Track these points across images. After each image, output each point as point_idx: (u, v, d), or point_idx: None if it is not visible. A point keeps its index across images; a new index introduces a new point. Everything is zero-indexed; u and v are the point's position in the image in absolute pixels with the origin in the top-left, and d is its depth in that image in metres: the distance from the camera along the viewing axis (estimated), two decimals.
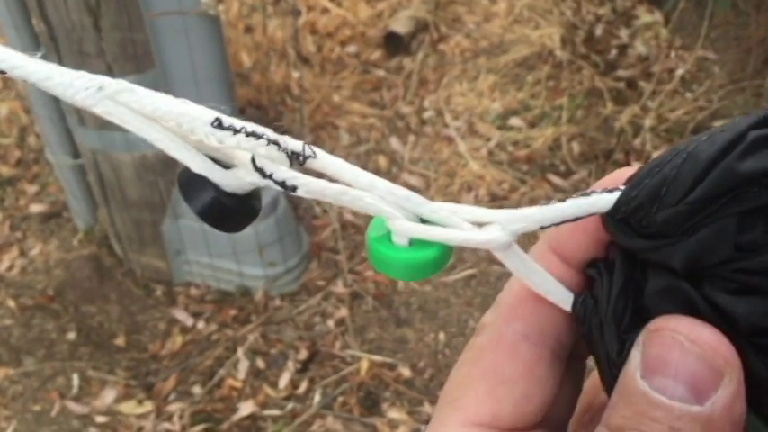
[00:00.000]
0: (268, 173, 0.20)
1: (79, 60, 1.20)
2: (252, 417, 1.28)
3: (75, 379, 1.34)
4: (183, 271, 1.50)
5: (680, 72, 2.01)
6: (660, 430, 0.20)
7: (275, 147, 0.20)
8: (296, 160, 0.21)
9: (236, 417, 1.27)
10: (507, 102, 1.99)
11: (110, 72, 1.21)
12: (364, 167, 0.21)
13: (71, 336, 1.41)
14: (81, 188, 1.49)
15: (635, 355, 0.21)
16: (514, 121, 1.93)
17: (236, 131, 0.20)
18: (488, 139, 1.88)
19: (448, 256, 0.22)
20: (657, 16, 2.19)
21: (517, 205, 1.67)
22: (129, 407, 1.30)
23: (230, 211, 0.21)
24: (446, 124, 1.94)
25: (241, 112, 1.71)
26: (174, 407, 1.30)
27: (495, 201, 1.70)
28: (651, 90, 1.95)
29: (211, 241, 1.43)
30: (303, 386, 1.33)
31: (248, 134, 0.20)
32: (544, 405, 0.24)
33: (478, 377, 0.24)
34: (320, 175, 0.22)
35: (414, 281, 0.21)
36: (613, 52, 2.13)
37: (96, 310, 1.46)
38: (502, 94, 2.02)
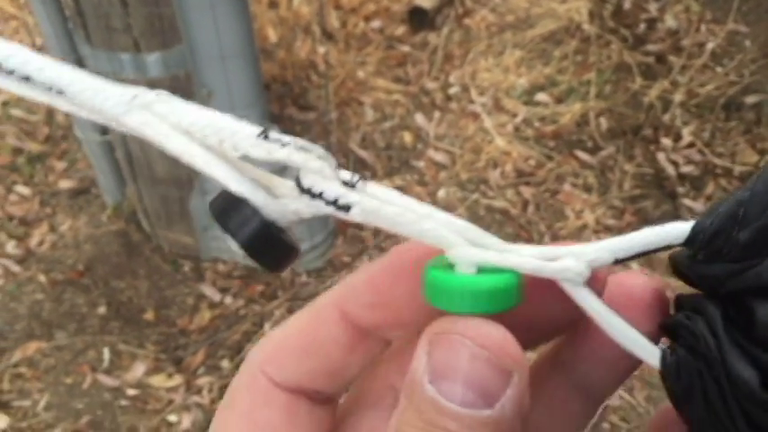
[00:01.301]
0: (317, 191, 0.19)
1: (107, 36, 1.20)
2: None
3: (106, 353, 1.36)
4: (211, 247, 1.51)
5: (710, 46, 1.97)
6: None
7: (327, 162, 0.19)
8: (346, 186, 0.19)
9: None
10: (534, 77, 1.96)
11: (136, 47, 1.21)
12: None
13: (101, 310, 1.43)
14: (109, 164, 1.50)
15: (421, 356, 0.20)
16: (541, 97, 1.91)
17: (284, 144, 0.19)
18: (514, 115, 1.86)
19: (518, 289, 0.20)
20: None
21: (543, 181, 1.66)
22: (158, 380, 1.32)
23: (275, 242, 0.19)
24: (472, 100, 1.92)
25: (266, 88, 1.71)
26: (203, 380, 1.32)
27: (522, 177, 1.69)
28: (681, 65, 1.92)
29: None
30: None
31: (298, 148, 0.19)
32: None
33: (233, 422, 0.22)
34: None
35: (476, 312, 0.19)
36: (642, 26, 2.09)
37: (125, 286, 1.48)
38: (528, 69, 2.00)
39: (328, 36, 2.05)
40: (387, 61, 2.07)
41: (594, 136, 1.77)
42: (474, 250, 0.20)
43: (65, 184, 1.67)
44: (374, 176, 1.68)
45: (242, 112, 1.33)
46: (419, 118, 1.88)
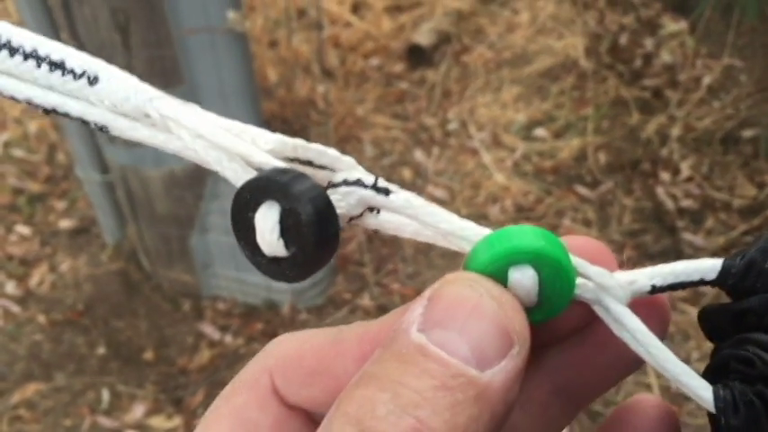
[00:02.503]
0: (353, 179, 0.19)
1: None
2: None
3: (106, 394, 1.35)
4: (211, 285, 1.51)
5: (707, 81, 1.99)
6: (430, 385, 0.16)
7: (354, 160, 0.19)
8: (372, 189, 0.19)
9: None
10: (531, 112, 1.98)
11: None
12: (389, 179, 0.20)
13: (101, 350, 1.42)
14: (110, 204, 1.51)
15: (415, 308, 0.18)
16: (539, 132, 1.92)
17: (308, 149, 0.19)
18: (513, 150, 1.87)
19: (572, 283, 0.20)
20: (683, 25, 2.17)
21: (543, 216, 1.66)
22: (158, 421, 1.31)
23: (332, 217, 0.19)
24: (470, 136, 1.94)
25: (266, 126, 1.72)
26: None
27: (522, 212, 1.69)
28: (678, 99, 1.94)
29: (239, 255, 1.43)
30: None
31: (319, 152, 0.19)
32: None
33: (224, 415, 0.22)
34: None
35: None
36: (638, 61, 2.12)
37: (125, 325, 1.47)
38: (526, 104, 2.01)
39: (327, 74, 2.07)
40: (385, 98, 2.08)
41: (593, 171, 1.78)
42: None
43: (65, 223, 1.67)
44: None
45: None
46: (418, 154, 1.89)
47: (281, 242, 0.18)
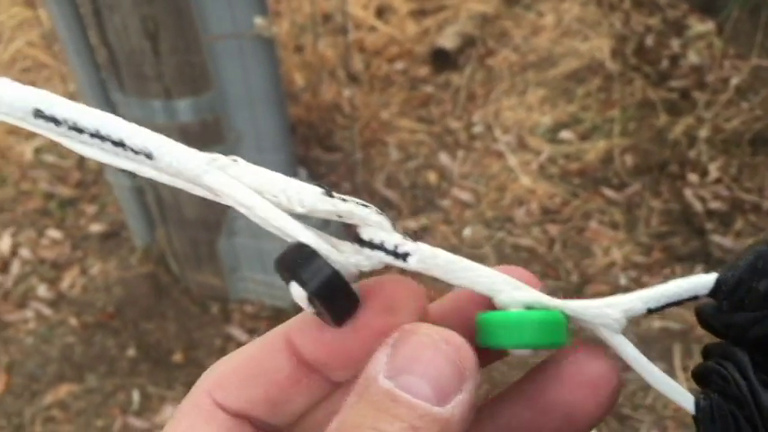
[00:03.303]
0: (378, 242, 0.20)
1: (139, 83, 1.23)
2: None
3: (136, 395, 1.37)
4: (239, 288, 1.52)
5: (735, 81, 1.97)
6: (401, 428, 0.19)
7: (384, 217, 0.20)
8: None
9: None
10: (557, 115, 1.97)
11: (168, 94, 1.24)
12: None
13: (131, 352, 1.44)
14: (139, 208, 1.53)
15: (380, 358, 0.20)
16: (565, 135, 1.91)
17: (345, 200, 0.20)
18: (539, 153, 1.86)
19: (566, 328, 0.22)
20: (710, 25, 2.15)
21: (569, 218, 1.66)
22: None
23: (343, 291, 0.20)
24: (495, 139, 1.93)
25: (292, 130, 1.74)
26: None
27: (548, 214, 1.69)
28: (706, 100, 1.92)
29: (266, 259, 1.44)
30: None
31: (358, 203, 0.20)
32: None
33: None
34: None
35: (529, 346, 0.20)
36: (665, 63, 2.10)
37: (154, 328, 1.49)
38: (551, 107, 2.01)
39: (353, 78, 2.08)
40: (410, 102, 2.09)
41: (620, 173, 1.77)
42: (521, 292, 0.21)
43: (95, 227, 1.70)
44: (399, 216, 1.69)
45: (270, 154, 1.35)
46: (443, 157, 1.89)
47: (311, 308, 0.21)
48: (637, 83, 2.02)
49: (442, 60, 2.19)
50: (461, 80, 2.14)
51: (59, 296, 1.54)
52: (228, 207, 0.20)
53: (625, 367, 0.23)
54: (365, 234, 0.20)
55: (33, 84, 0.20)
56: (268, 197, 0.20)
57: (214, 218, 1.42)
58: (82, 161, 1.84)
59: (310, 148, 1.89)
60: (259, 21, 1.15)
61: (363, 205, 0.20)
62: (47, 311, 1.51)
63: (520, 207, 1.72)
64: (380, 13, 2.39)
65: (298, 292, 0.20)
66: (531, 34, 2.30)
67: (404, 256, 0.20)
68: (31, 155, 1.86)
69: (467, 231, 1.67)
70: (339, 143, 1.91)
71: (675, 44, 2.15)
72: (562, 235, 1.64)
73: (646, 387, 1.32)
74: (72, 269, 1.60)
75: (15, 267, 1.60)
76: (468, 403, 0.20)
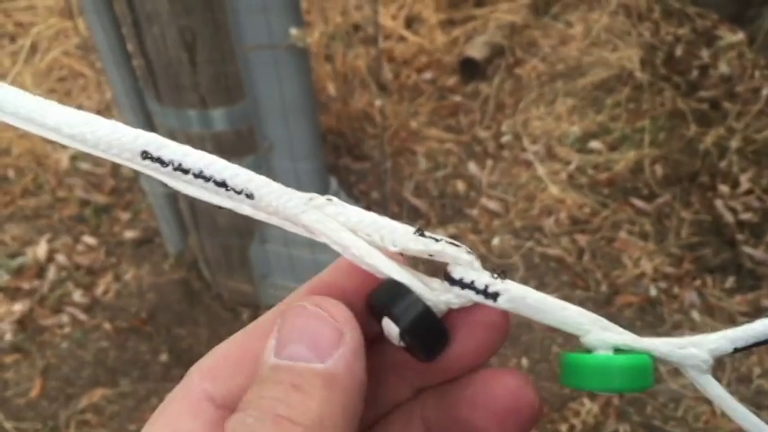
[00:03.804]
0: (468, 281, 0.21)
1: (175, 93, 1.26)
2: None
3: None
4: (269, 295, 1.54)
5: (765, 92, 1.96)
6: (282, 390, 0.20)
7: (474, 257, 0.21)
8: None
9: None
10: (586, 125, 1.97)
11: (203, 103, 1.26)
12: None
13: (163, 357, 1.46)
14: (173, 215, 1.55)
15: (270, 342, 0.21)
16: (594, 144, 1.91)
17: (438, 240, 0.21)
18: (568, 163, 1.86)
19: (651, 369, 0.21)
20: (741, 36, 2.14)
21: (599, 229, 1.66)
22: None
23: (435, 327, 0.21)
24: (524, 148, 1.94)
25: (322, 139, 1.76)
26: None
27: (577, 224, 1.68)
28: (737, 111, 1.91)
29: (297, 266, 1.46)
30: None
31: (449, 242, 0.21)
32: None
33: (160, 428, 0.23)
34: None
35: (615, 391, 0.20)
36: (695, 73, 2.09)
37: (186, 333, 1.51)
38: (580, 117, 2.01)
39: (382, 88, 2.10)
40: (439, 111, 2.10)
41: (650, 183, 1.76)
42: (609, 334, 0.21)
43: (129, 234, 1.73)
44: (428, 225, 1.70)
45: (302, 163, 1.37)
46: (472, 166, 1.90)
47: (402, 344, 0.21)
48: (666, 93, 2.01)
49: (471, 70, 2.20)
50: (490, 90, 2.15)
51: (94, 301, 1.57)
52: None
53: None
54: (456, 273, 0.21)
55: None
56: (362, 236, 0.21)
57: (246, 225, 1.44)
58: (116, 169, 1.87)
59: (340, 157, 1.91)
60: (294, 31, 1.17)
61: (454, 245, 0.21)
62: (82, 316, 1.54)
63: (549, 217, 1.72)
64: (410, 23, 2.41)
65: (390, 329, 0.21)
66: (559, 44, 2.30)
67: (494, 296, 0.21)
68: (67, 162, 1.89)
69: (495, 241, 1.67)
70: (368, 152, 1.92)
71: (705, 54, 2.14)
72: (591, 245, 1.64)
73: (676, 399, 1.32)
74: (106, 275, 1.63)
75: (51, 273, 1.63)
76: (351, 356, 0.20)
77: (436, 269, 0.22)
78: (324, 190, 1.44)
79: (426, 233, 0.21)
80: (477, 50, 2.22)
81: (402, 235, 0.21)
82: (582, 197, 1.75)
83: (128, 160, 0.20)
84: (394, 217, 0.22)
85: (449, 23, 2.41)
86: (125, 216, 1.77)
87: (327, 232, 0.21)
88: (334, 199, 0.21)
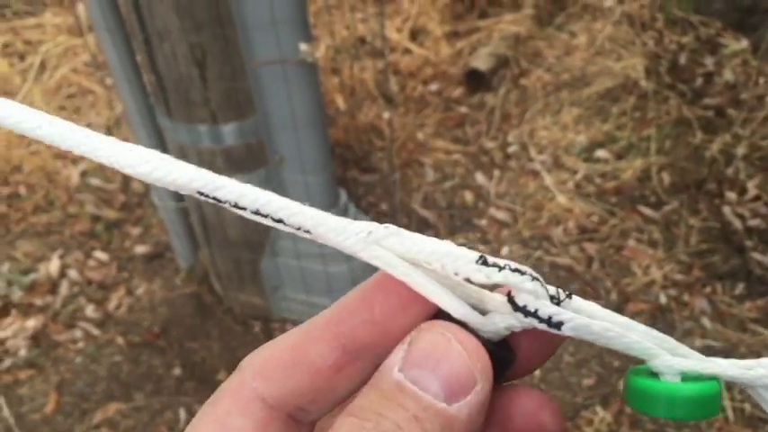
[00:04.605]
0: (532, 309, 0.21)
1: (186, 109, 1.27)
2: None
3: (183, 413, 1.39)
4: (281, 307, 1.55)
5: None
6: (404, 417, 0.19)
7: (539, 283, 0.21)
8: (553, 302, 0.21)
9: None
10: (592, 134, 1.98)
11: (213, 119, 1.27)
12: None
13: (176, 371, 1.47)
14: (183, 229, 1.56)
15: (397, 352, 0.21)
16: (601, 153, 1.92)
17: (500, 268, 0.21)
18: (575, 172, 1.87)
19: (718, 397, 0.21)
20: (744, 43, 2.15)
21: (607, 237, 1.66)
22: None
23: (494, 356, 0.21)
24: (531, 158, 1.95)
25: (331, 153, 1.77)
26: None
27: (585, 233, 1.69)
28: (742, 118, 1.92)
29: (308, 279, 1.47)
30: None
31: (512, 270, 0.21)
32: None
33: (208, 423, 0.23)
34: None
35: (681, 419, 0.21)
36: (699, 81, 2.10)
37: (199, 347, 1.52)
38: (586, 126, 2.02)
39: (388, 100, 2.12)
40: (445, 122, 2.11)
41: (657, 191, 1.77)
42: (677, 359, 0.22)
43: (140, 249, 1.74)
44: (437, 235, 1.70)
45: (312, 176, 1.38)
46: (479, 177, 1.91)
47: None
48: (672, 101, 2.02)
49: (476, 81, 2.22)
50: (496, 100, 2.16)
51: (106, 316, 1.58)
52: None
53: None
54: (520, 299, 0.21)
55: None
56: (423, 264, 0.21)
57: (257, 238, 1.45)
58: (126, 184, 1.88)
59: (347, 170, 1.92)
60: (304, 46, 1.19)
61: (518, 271, 0.21)
62: (95, 331, 1.55)
63: (557, 226, 1.73)
64: (415, 35, 2.43)
65: None
66: (564, 54, 2.32)
67: (557, 325, 0.21)
68: (77, 178, 1.91)
69: (504, 251, 1.68)
70: (376, 164, 1.94)
71: (710, 62, 2.15)
72: (600, 253, 1.64)
73: None
74: (118, 290, 1.64)
75: (64, 288, 1.64)
76: (477, 406, 0.20)
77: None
78: (334, 202, 1.45)
79: (489, 260, 0.21)
80: (482, 62, 2.23)
81: (464, 264, 0.21)
82: (590, 206, 1.76)
83: (186, 192, 0.21)
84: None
85: (453, 35, 2.43)
86: (136, 231, 1.79)
87: (387, 268, 0.21)
88: (392, 227, 0.22)
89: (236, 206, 0.21)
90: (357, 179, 1.90)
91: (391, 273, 0.21)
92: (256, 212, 0.21)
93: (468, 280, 0.21)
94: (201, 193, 0.21)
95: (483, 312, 0.22)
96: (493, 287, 0.22)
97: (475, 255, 0.21)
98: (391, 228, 0.22)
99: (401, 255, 0.21)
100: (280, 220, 0.22)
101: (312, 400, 0.23)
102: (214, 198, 0.21)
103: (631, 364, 0.23)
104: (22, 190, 1.91)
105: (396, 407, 0.20)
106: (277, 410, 0.23)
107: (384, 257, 0.21)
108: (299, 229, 0.22)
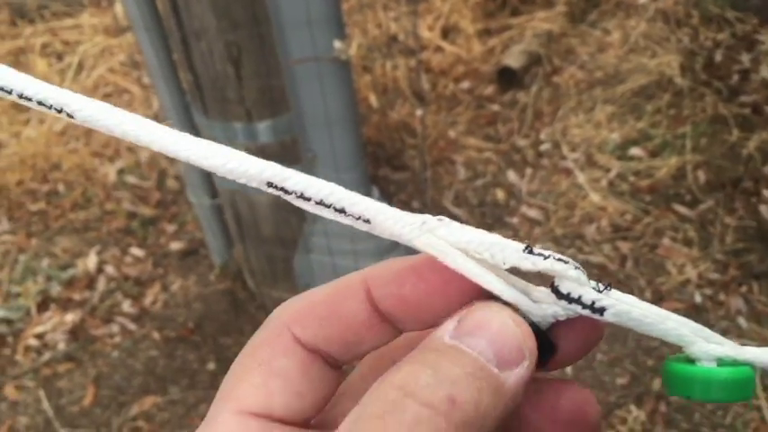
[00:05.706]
0: (575, 296, 0.22)
1: (221, 107, 1.29)
2: None
3: None
4: None
5: None
6: (462, 372, 0.20)
7: (581, 271, 0.22)
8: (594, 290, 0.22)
9: None
10: (626, 132, 1.97)
11: (249, 116, 1.29)
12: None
13: (211, 366, 1.49)
14: (218, 226, 1.58)
15: (448, 325, 0.22)
16: (635, 151, 1.90)
17: (546, 257, 0.21)
18: (608, 170, 1.86)
19: (752, 381, 0.22)
20: None
21: (641, 235, 1.65)
22: None
23: (540, 341, 0.22)
24: (563, 156, 1.94)
25: (363, 151, 1.78)
26: None
27: (619, 231, 1.68)
28: None
29: (340, 275, 1.47)
30: None
31: (557, 259, 0.21)
32: (317, 404, 0.24)
33: (253, 368, 0.24)
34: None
35: (715, 401, 0.23)
36: (735, 77, 2.07)
37: (232, 342, 1.54)
38: (620, 124, 2.00)
39: (420, 98, 2.12)
40: (477, 120, 2.11)
41: (692, 189, 1.75)
42: (713, 346, 0.22)
43: (175, 245, 1.76)
44: None
45: (345, 173, 1.39)
46: (511, 175, 1.90)
47: None
48: (707, 98, 2.00)
49: (508, 79, 2.21)
50: (528, 98, 2.15)
51: (143, 311, 1.61)
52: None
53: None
54: (563, 287, 0.22)
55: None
56: (473, 254, 0.22)
57: (290, 235, 1.47)
58: (162, 182, 1.91)
59: (379, 167, 1.93)
60: (338, 44, 1.19)
61: (562, 260, 0.21)
62: (131, 326, 1.57)
63: (590, 224, 1.72)
64: (446, 33, 2.43)
65: None
66: (597, 51, 2.30)
67: (600, 311, 0.22)
68: (114, 176, 1.94)
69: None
70: (407, 162, 1.94)
71: (746, 59, 2.12)
72: (634, 252, 1.63)
73: (725, 405, 1.30)
74: (154, 286, 1.67)
75: (101, 284, 1.67)
76: (523, 380, 0.21)
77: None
78: None
79: (535, 249, 0.22)
80: (514, 59, 2.22)
81: (511, 253, 0.22)
82: (623, 204, 1.75)
83: (256, 185, 0.22)
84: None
85: (485, 33, 2.43)
86: (171, 228, 1.81)
87: (439, 255, 0.22)
88: (446, 219, 0.23)
89: (301, 197, 0.22)
90: (389, 177, 1.90)
91: (443, 259, 0.22)
92: (320, 203, 0.22)
93: (515, 268, 0.22)
94: (270, 184, 0.22)
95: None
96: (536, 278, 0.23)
97: (521, 245, 0.22)
98: (444, 219, 0.22)
99: (452, 244, 0.22)
100: (342, 210, 0.22)
101: (342, 351, 0.24)
102: (282, 189, 0.22)
103: (664, 361, 0.24)
104: (61, 187, 1.95)
105: (451, 364, 0.20)
106: (314, 355, 0.24)
107: (437, 245, 0.22)
108: (358, 218, 0.23)
